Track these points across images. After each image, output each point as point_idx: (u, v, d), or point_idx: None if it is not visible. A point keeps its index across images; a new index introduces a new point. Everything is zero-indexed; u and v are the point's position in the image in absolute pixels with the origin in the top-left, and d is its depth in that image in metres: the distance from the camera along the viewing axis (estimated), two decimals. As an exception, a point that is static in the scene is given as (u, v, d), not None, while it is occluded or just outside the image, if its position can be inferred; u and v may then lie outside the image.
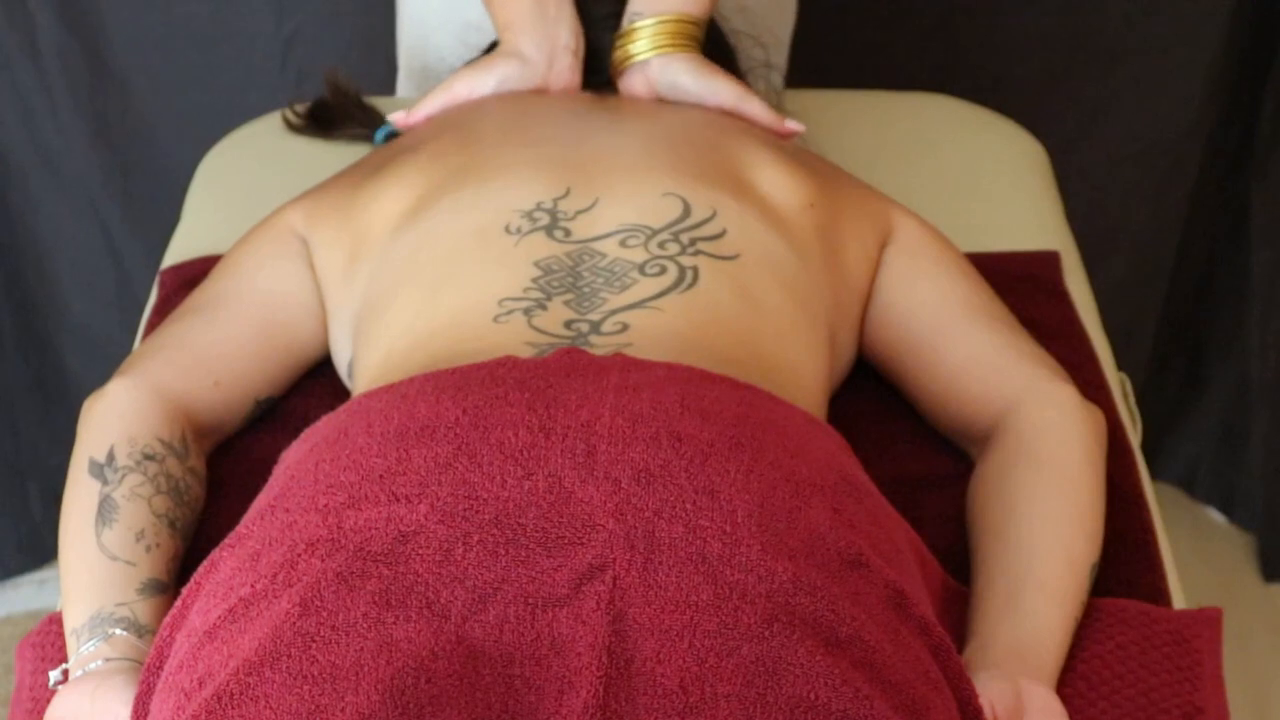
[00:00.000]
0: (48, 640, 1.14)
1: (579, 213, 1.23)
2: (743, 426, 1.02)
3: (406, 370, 1.13)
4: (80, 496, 1.16)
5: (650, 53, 1.40)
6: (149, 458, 1.18)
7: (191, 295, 1.34)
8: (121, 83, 1.92)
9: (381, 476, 0.99)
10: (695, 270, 1.19)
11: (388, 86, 1.83)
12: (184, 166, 1.69)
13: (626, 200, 1.24)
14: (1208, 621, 1.15)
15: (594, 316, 1.16)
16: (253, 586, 0.96)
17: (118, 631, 1.09)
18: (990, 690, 1.03)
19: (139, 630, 1.09)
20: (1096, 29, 1.97)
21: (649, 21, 1.40)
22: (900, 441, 1.31)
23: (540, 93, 1.42)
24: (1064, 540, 1.15)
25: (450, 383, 1.05)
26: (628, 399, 1.02)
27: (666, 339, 1.14)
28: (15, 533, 2.14)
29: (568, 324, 1.15)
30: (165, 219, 1.68)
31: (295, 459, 1.06)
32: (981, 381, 1.27)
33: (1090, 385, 1.34)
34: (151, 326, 1.44)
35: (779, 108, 1.52)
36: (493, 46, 1.49)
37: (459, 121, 1.38)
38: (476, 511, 0.96)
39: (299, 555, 0.96)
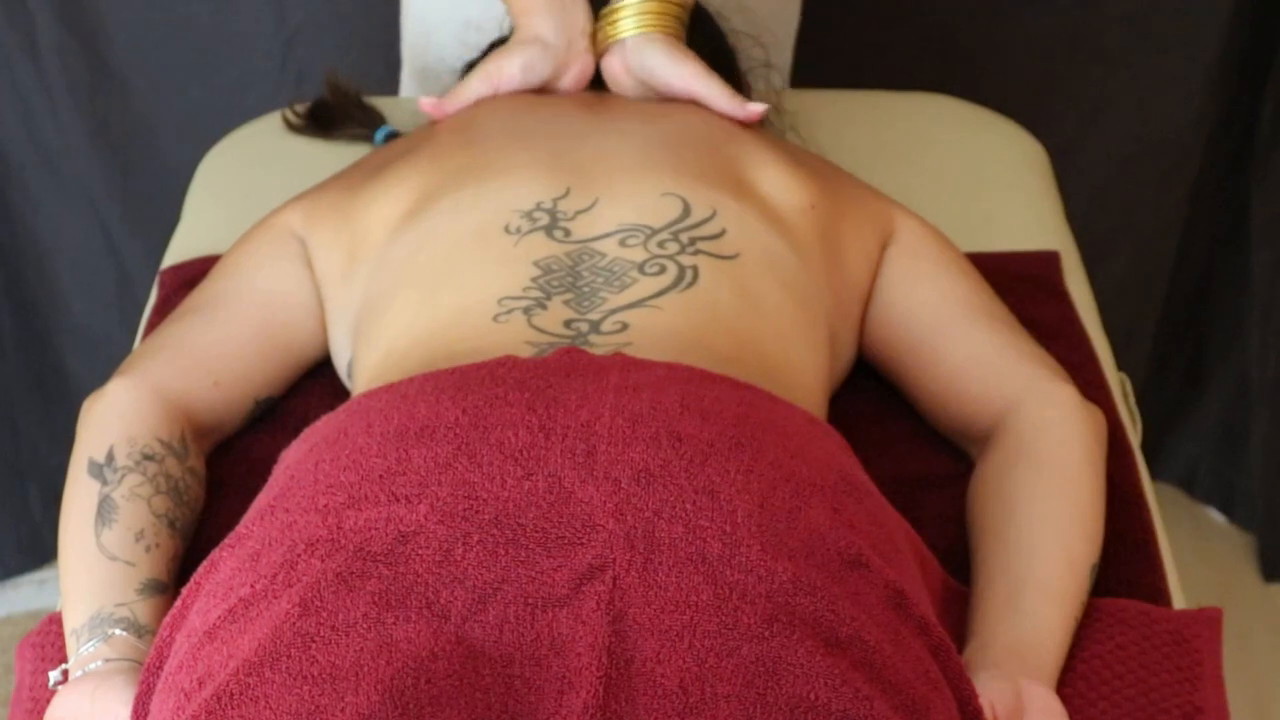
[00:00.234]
0: (48, 640, 1.14)
1: (579, 213, 1.23)
2: (743, 426, 1.02)
3: (406, 370, 1.13)
4: (80, 497, 1.16)
5: (630, 32, 1.40)
6: (148, 458, 1.18)
7: (191, 295, 1.34)
8: (121, 83, 1.91)
9: (381, 476, 0.99)
10: (695, 269, 1.19)
11: (388, 86, 1.82)
12: (184, 166, 1.69)
13: (626, 200, 1.24)
14: (1208, 621, 1.15)
15: (594, 316, 1.16)
16: (252, 587, 0.96)
17: (117, 632, 1.09)
18: (990, 690, 1.03)
19: (139, 630, 1.09)
20: (1096, 29, 1.97)
21: (633, 1, 1.40)
22: (900, 441, 1.31)
23: (541, 93, 1.42)
24: (1064, 540, 1.15)
25: (450, 383, 1.05)
26: (628, 399, 1.02)
27: (666, 338, 1.14)
28: (15, 533, 2.14)
29: (567, 323, 1.15)
30: (165, 219, 1.68)
31: (295, 459, 1.06)
32: (981, 381, 1.27)
33: (1090, 385, 1.34)
34: (151, 326, 1.44)
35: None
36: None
37: (459, 123, 1.38)
38: (476, 511, 0.96)
39: (299, 555, 0.96)
